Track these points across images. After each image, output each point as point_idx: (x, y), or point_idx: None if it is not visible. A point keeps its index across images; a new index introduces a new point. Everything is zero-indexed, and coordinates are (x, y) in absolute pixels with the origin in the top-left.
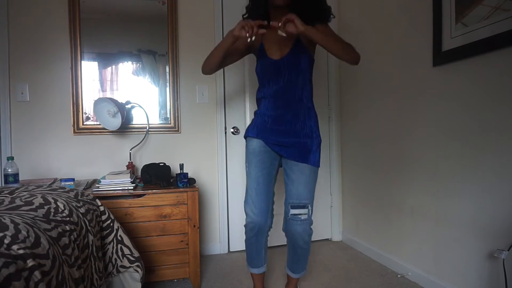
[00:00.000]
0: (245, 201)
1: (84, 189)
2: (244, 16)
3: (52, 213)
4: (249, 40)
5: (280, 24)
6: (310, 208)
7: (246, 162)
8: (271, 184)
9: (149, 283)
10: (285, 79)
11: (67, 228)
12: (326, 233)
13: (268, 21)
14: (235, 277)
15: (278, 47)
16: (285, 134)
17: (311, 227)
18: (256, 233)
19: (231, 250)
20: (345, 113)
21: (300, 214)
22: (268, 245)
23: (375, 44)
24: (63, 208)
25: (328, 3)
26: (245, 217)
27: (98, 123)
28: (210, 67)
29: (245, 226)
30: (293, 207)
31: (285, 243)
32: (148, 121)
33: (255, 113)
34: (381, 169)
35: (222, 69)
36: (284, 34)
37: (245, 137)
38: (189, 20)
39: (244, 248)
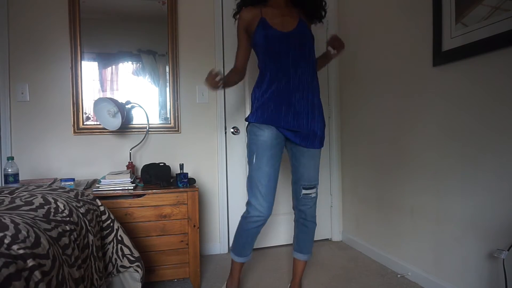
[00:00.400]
0: (253, 194)
1: (84, 189)
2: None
3: (52, 213)
4: (218, 87)
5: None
6: (317, 187)
7: (253, 153)
8: (278, 177)
9: (149, 283)
10: (296, 52)
11: (67, 228)
12: (326, 233)
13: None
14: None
15: (282, 21)
16: (298, 118)
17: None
18: (260, 225)
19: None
20: (345, 113)
21: (311, 193)
22: (268, 245)
23: (375, 44)
24: (63, 208)
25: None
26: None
27: (98, 123)
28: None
29: (246, 217)
30: (305, 188)
31: (285, 243)
32: (148, 121)
33: (257, 93)
34: (381, 169)
35: (222, 69)
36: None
37: (251, 122)
38: (189, 20)
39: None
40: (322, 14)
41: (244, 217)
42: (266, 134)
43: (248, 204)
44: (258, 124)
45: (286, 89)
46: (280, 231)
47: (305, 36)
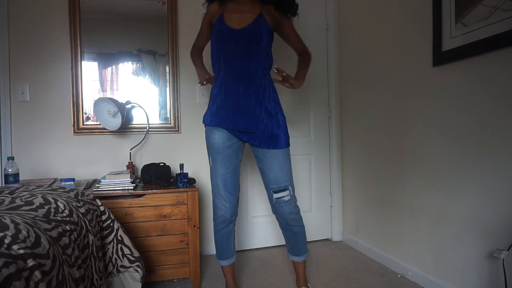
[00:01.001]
0: (215, 196)
1: (84, 189)
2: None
3: (52, 213)
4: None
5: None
6: (290, 188)
7: (209, 156)
8: (238, 178)
9: (149, 283)
10: (244, 51)
11: (67, 228)
12: (326, 233)
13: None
14: (235, 277)
15: (239, 17)
16: (248, 118)
17: (297, 204)
18: (227, 224)
19: None
20: (345, 113)
21: (283, 197)
22: (267, 245)
23: (375, 44)
24: (63, 208)
25: (328, 3)
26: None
27: (98, 123)
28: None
29: (214, 219)
30: (275, 192)
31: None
32: (148, 121)
33: (212, 93)
34: (381, 169)
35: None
36: (275, 72)
37: (206, 124)
38: (189, 20)
39: (244, 248)
40: (291, 8)
41: (213, 220)
42: (217, 137)
43: (213, 205)
44: (210, 126)
45: (234, 89)
46: (279, 231)
47: (257, 33)
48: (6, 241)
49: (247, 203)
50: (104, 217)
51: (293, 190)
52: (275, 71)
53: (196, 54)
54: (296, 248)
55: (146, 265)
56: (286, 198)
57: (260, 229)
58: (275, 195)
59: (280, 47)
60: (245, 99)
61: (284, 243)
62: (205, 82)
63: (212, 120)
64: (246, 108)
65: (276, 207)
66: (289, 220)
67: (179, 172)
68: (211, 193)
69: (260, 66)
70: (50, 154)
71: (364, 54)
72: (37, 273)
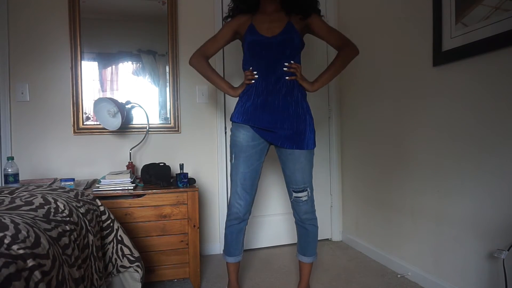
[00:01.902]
0: (232, 192)
1: (84, 189)
2: (230, 7)
3: (52, 213)
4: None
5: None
6: (309, 190)
7: (232, 153)
8: (257, 180)
9: (149, 283)
10: (276, 57)
11: (67, 228)
12: (326, 233)
13: (257, 8)
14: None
15: (269, 26)
16: (275, 117)
17: (313, 204)
18: (240, 221)
19: None
20: (345, 113)
21: (301, 197)
22: (268, 245)
23: (375, 44)
24: (63, 208)
25: (328, 3)
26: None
27: (98, 123)
28: (197, 70)
29: (227, 215)
30: (294, 191)
31: (287, 243)
32: (148, 121)
33: (243, 95)
34: (381, 169)
35: (222, 69)
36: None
37: (234, 122)
38: (189, 20)
39: (246, 248)
40: (314, 9)
41: (227, 215)
42: (242, 135)
43: (229, 201)
44: (236, 124)
45: (264, 92)
46: (281, 231)
47: (287, 40)
48: (6, 241)
49: None
50: (104, 217)
51: (312, 192)
52: (285, 69)
53: (206, 64)
54: (305, 247)
55: (146, 265)
56: (304, 199)
57: (261, 229)
58: (294, 194)
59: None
60: (274, 100)
61: (286, 243)
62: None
63: (239, 117)
64: (274, 108)
65: (294, 204)
66: (303, 219)
67: (179, 172)
68: (211, 193)
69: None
70: (50, 154)
71: (364, 54)
72: (37, 273)
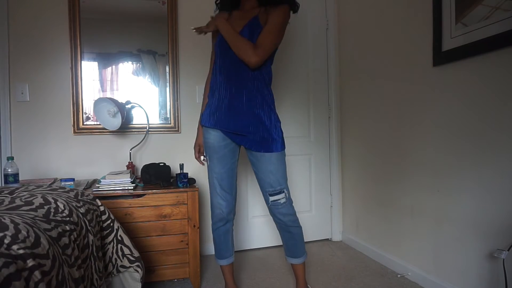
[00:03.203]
0: (212, 194)
1: (84, 189)
2: (217, 2)
3: (52, 213)
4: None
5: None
6: (286, 191)
7: (206, 155)
8: (235, 180)
9: (149, 283)
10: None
11: (67, 228)
12: (326, 233)
13: (236, 7)
14: (235, 277)
15: (237, 24)
16: (240, 120)
17: (292, 205)
18: (225, 222)
19: None
20: (345, 113)
21: (279, 199)
22: (267, 245)
23: (375, 44)
24: (63, 208)
25: (328, 3)
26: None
27: (98, 123)
28: None
29: (212, 218)
30: (271, 195)
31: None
32: (148, 121)
33: (208, 96)
34: (381, 169)
35: None
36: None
37: (202, 124)
38: (189, 20)
39: (244, 248)
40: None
41: (211, 218)
42: (212, 137)
43: (210, 204)
44: (206, 127)
45: (227, 93)
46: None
47: (248, 38)
48: (6, 241)
49: (247, 203)
50: (104, 217)
51: (289, 193)
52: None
53: (206, 88)
54: (294, 249)
55: (146, 265)
56: (282, 201)
57: (260, 229)
58: (271, 198)
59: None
60: (238, 102)
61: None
62: (201, 158)
63: (207, 121)
64: (238, 111)
65: (272, 209)
66: (286, 222)
67: (179, 172)
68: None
69: (250, 69)
70: (50, 154)
71: (364, 54)
72: (36, 273)
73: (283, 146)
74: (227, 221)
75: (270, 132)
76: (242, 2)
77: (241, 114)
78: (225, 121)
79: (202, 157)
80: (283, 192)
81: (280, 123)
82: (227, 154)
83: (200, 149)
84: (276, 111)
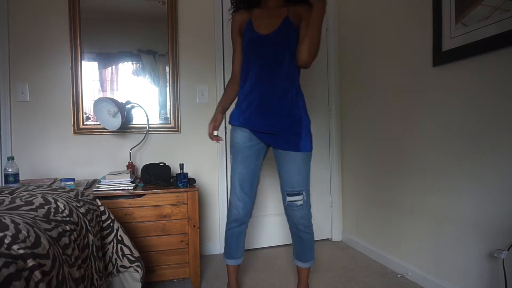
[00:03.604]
0: (231, 193)
1: (84, 189)
2: (232, 1)
3: (52, 213)
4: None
5: None
6: (305, 194)
7: (231, 154)
8: (256, 181)
9: (149, 283)
10: (271, 56)
11: (67, 228)
12: (326, 233)
13: (257, 5)
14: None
15: (267, 22)
16: (272, 120)
17: (310, 210)
18: (240, 223)
19: None
20: (345, 113)
21: (296, 201)
22: (268, 245)
23: (375, 44)
24: (63, 208)
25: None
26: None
27: (98, 123)
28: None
29: (227, 217)
30: (289, 195)
31: (286, 243)
32: (148, 121)
33: (239, 96)
34: (381, 169)
35: (222, 69)
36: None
37: (230, 124)
38: (189, 20)
39: (246, 248)
40: None
41: (227, 217)
42: (239, 136)
43: (229, 203)
44: (234, 126)
45: (259, 93)
46: (281, 231)
47: (284, 38)
48: (6, 241)
49: None
50: (104, 217)
51: (308, 196)
52: None
53: (227, 89)
54: (301, 254)
55: (146, 265)
56: (299, 203)
57: (261, 229)
58: (288, 198)
59: None
60: (269, 101)
61: (286, 243)
62: (214, 133)
63: (236, 120)
64: (270, 110)
65: (287, 210)
66: (298, 225)
67: (179, 172)
68: (211, 193)
69: (285, 70)
70: (50, 154)
71: (364, 54)
72: (37, 273)
73: (309, 147)
74: (242, 223)
75: (301, 131)
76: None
77: (273, 114)
78: (255, 121)
79: (215, 132)
80: (301, 194)
81: (310, 123)
82: (252, 155)
83: (215, 125)
84: (307, 111)
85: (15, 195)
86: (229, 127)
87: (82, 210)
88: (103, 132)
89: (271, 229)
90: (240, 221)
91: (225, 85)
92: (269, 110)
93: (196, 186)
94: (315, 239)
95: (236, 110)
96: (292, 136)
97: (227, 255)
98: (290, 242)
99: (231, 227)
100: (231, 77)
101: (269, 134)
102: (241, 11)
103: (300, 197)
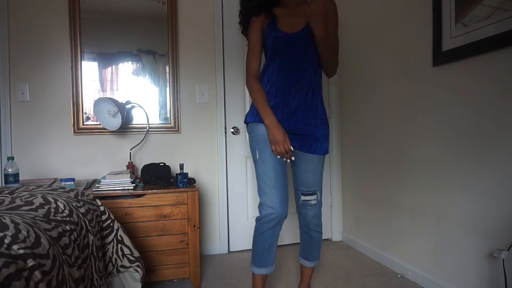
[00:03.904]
0: (262, 192)
1: (84, 189)
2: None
3: (52, 213)
4: (288, 159)
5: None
6: (319, 194)
7: (255, 150)
8: (286, 173)
9: (149, 283)
10: (298, 53)
11: (67, 228)
12: (326, 233)
13: (271, 16)
14: (235, 277)
15: (291, 21)
16: (295, 120)
17: (321, 209)
18: (274, 225)
19: (231, 250)
20: (345, 113)
21: (310, 200)
22: None
23: (375, 44)
24: (63, 208)
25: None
26: (256, 213)
27: (98, 123)
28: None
29: (259, 219)
30: (303, 194)
31: (286, 243)
32: (148, 121)
33: (268, 93)
34: (381, 169)
35: (222, 69)
36: None
37: (249, 122)
38: (189, 20)
39: (244, 248)
40: None
41: (258, 219)
42: (263, 130)
43: (260, 205)
44: (253, 123)
45: (283, 92)
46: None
47: (309, 38)
48: (6, 241)
49: (247, 202)
50: (104, 217)
51: (321, 196)
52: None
53: (256, 88)
54: (309, 253)
55: (146, 265)
56: (313, 202)
57: None
58: (303, 197)
59: None
60: (293, 102)
61: (287, 243)
62: (288, 159)
63: (255, 118)
64: (293, 111)
65: (301, 208)
66: (310, 224)
67: (179, 172)
68: (211, 193)
69: (312, 68)
70: (50, 154)
71: (364, 54)
72: (37, 273)
73: (327, 150)
74: (279, 221)
75: (321, 135)
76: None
77: (296, 115)
78: (281, 121)
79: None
80: (316, 193)
81: (328, 126)
82: None
83: (287, 139)
84: (327, 114)
85: (15, 195)
86: (229, 126)
87: (82, 210)
88: (103, 132)
89: None
90: (276, 220)
91: (250, 85)
92: (293, 110)
93: (196, 186)
94: None
95: (254, 110)
96: (312, 138)
97: (257, 263)
98: (291, 242)
99: (265, 229)
100: (253, 77)
101: (292, 134)
102: (258, 18)
103: (314, 197)
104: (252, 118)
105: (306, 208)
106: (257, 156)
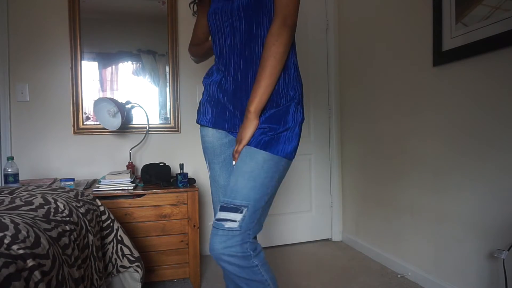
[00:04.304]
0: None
1: (84, 189)
2: None
3: (52, 213)
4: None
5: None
6: (246, 213)
7: (206, 161)
8: None
9: (149, 283)
10: (241, 27)
11: (67, 228)
12: (326, 233)
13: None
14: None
15: None
16: (235, 119)
17: (252, 242)
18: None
19: None
20: (345, 113)
21: (226, 220)
22: (269, 245)
23: (375, 44)
24: (63, 208)
25: (328, 3)
26: None
27: (98, 123)
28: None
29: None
30: (221, 209)
31: (287, 243)
32: (148, 121)
33: (206, 86)
34: (381, 168)
35: None
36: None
37: (198, 123)
38: (189, 20)
39: None
40: None
41: (261, 253)
42: (211, 133)
43: (256, 241)
44: (202, 126)
45: (225, 81)
46: (282, 231)
47: (256, 6)
48: (6, 241)
49: None
50: (104, 217)
51: (254, 219)
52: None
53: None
54: None
55: (146, 265)
56: (227, 225)
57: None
58: (218, 214)
59: None
60: (238, 94)
61: (287, 243)
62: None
63: (204, 118)
64: (238, 106)
65: (210, 236)
66: (220, 261)
67: (179, 172)
68: (210, 193)
69: (261, 47)
70: (50, 154)
71: (364, 54)
72: (36, 273)
73: (291, 154)
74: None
75: (284, 125)
76: None
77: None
78: (229, 118)
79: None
80: (241, 211)
81: (302, 119)
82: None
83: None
84: (301, 95)
85: (14, 195)
86: None
87: (82, 210)
88: (103, 132)
89: (269, 230)
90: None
91: (191, 50)
92: (243, 106)
93: (196, 186)
94: (315, 239)
95: (202, 108)
96: (268, 132)
97: None
98: (291, 242)
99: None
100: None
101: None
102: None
103: (235, 216)
104: (198, 118)
105: (213, 235)
106: (208, 171)
